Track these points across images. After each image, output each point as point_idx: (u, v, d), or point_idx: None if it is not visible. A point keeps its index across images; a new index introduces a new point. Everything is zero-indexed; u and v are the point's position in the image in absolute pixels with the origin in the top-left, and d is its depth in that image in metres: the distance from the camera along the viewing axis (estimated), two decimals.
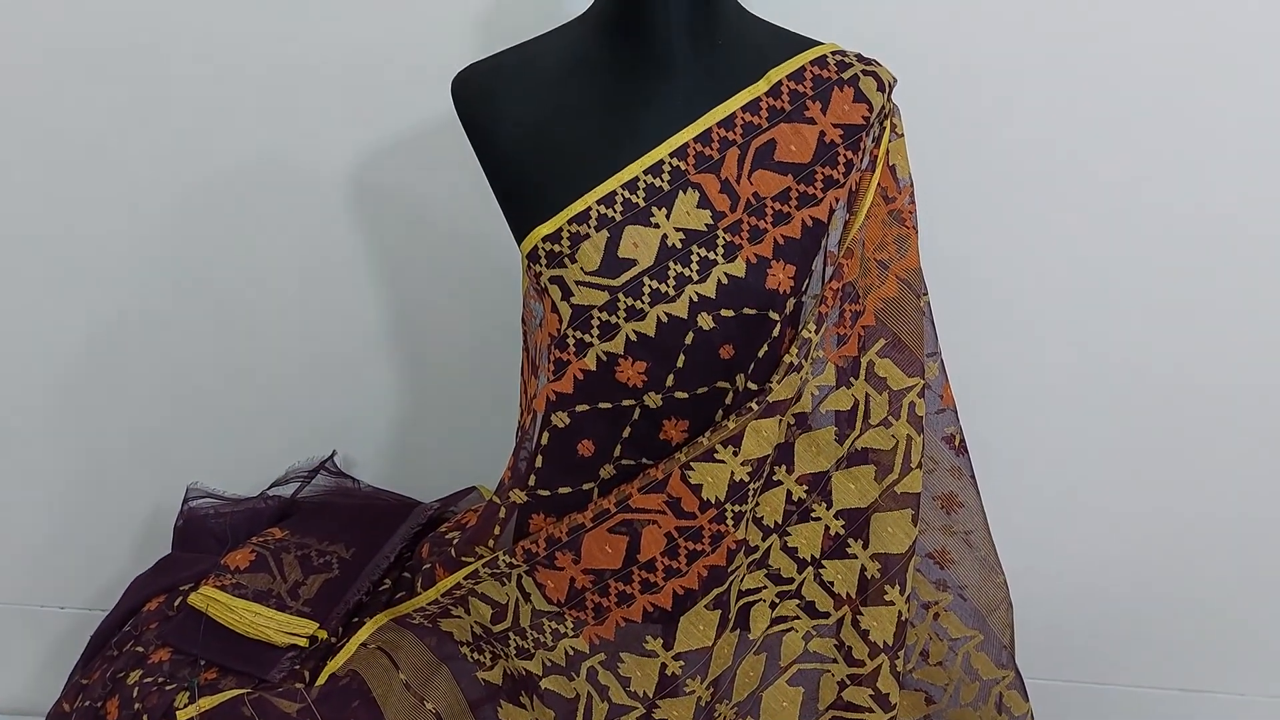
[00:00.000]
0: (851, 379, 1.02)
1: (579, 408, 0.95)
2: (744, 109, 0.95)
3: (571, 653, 1.02)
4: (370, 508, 1.30)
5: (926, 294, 1.05)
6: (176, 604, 1.16)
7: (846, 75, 0.97)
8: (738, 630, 1.04)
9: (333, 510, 1.29)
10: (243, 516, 1.27)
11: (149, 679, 1.08)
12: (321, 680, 1.08)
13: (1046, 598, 1.45)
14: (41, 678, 1.61)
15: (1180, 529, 1.45)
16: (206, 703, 1.05)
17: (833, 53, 0.99)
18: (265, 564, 1.18)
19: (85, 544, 1.55)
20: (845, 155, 0.96)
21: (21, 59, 1.29)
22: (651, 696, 1.01)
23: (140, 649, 1.12)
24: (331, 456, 1.37)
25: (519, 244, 0.96)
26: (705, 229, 0.93)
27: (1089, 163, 1.27)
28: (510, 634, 1.04)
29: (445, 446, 1.47)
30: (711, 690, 1.03)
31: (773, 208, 0.93)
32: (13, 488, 1.52)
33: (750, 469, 0.95)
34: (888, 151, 1.00)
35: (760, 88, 0.96)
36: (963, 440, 1.12)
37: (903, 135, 1.02)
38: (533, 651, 1.04)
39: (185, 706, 1.05)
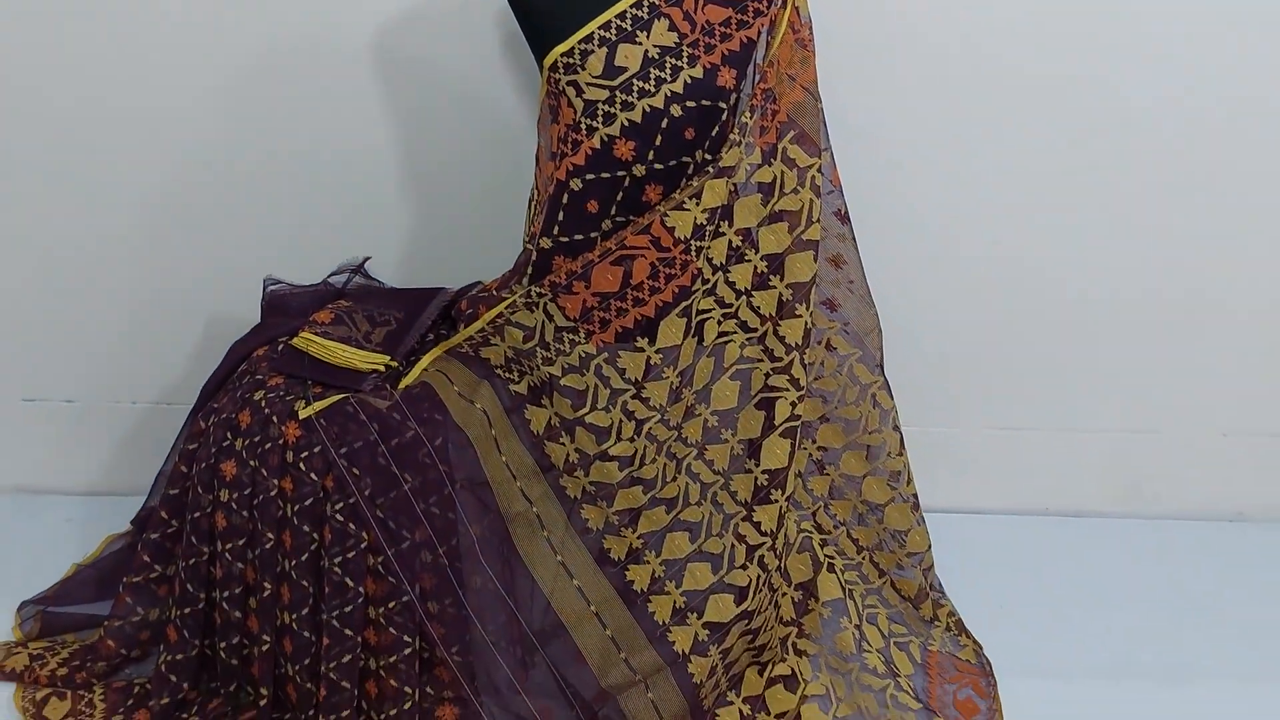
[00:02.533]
0: (771, 160, 1.47)
1: (588, 176, 1.39)
2: None
3: (583, 355, 1.46)
4: (406, 291, 1.70)
5: (821, 101, 1.50)
6: (279, 348, 1.55)
7: None
8: (695, 338, 1.49)
9: (378, 293, 1.70)
10: (312, 295, 1.66)
11: (271, 395, 1.48)
12: (398, 391, 1.50)
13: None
14: (117, 464, 1.98)
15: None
16: (320, 405, 1.46)
17: None
18: (342, 320, 1.58)
19: (153, 348, 1.91)
20: None
21: None
22: (640, 380, 1.46)
23: (259, 378, 1.52)
24: (367, 259, 1.76)
25: (541, 61, 1.38)
26: (674, 45, 1.36)
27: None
28: (537, 349, 1.48)
29: (450, 263, 1.87)
30: (679, 377, 1.48)
31: (719, 30, 1.38)
32: (95, 302, 1.87)
33: (707, 215, 1.40)
34: None
35: None
36: (847, 212, 1.60)
37: None
38: (554, 359, 1.47)
39: (304, 408, 1.45)
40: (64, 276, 1.86)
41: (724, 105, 1.38)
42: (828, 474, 1.71)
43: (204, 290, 1.88)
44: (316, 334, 1.54)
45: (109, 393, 1.95)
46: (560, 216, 1.41)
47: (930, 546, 1.75)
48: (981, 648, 1.72)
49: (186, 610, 1.52)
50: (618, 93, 1.35)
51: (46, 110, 1.75)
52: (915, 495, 1.73)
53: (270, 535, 1.45)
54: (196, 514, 1.49)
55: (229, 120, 1.77)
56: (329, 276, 1.70)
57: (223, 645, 1.52)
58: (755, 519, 1.53)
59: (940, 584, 1.79)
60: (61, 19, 1.69)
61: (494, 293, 1.51)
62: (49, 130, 1.77)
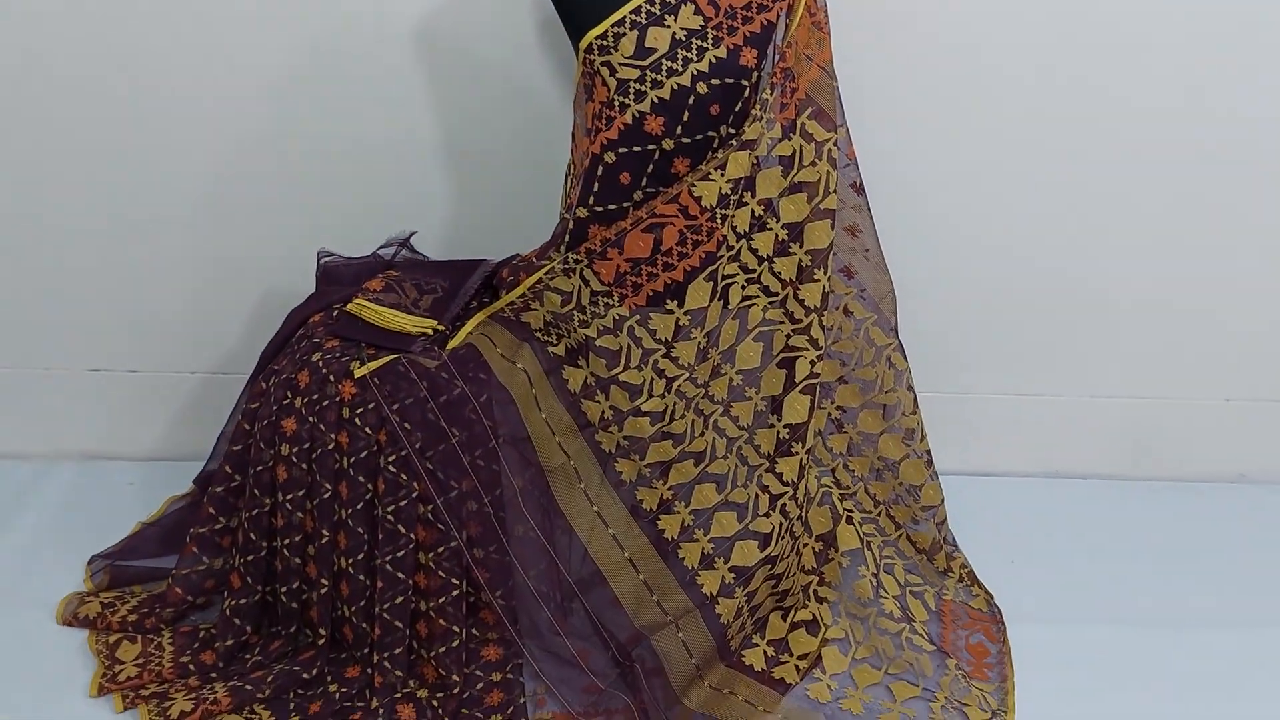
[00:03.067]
0: (790, 134, 1.57)
1: (621, 150, 1.50)
2: None
3: (617, 318, 1.57)
4: (450, 262, 1.81)
5: (836, 80, 1.61)
6: (334, 314, 1.67)
7: None
8: (721, 301, 1.59)
9: (424, 264, 1.81)
10: (363, 265, 1.77)
11: (328, 356, 1.60)
12: (445, 353, 1.61)
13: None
14: (177, 430, 2.10)
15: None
16: (373, 365, 1.57)
17: None
18: (392, 288, 1.70)
19: (210, 321, 2.03)
20: None
21: None
22: (670, 340, 1.57)
23: (316, 341, 1.63)
24: (413, 234, 1.87)
25: (577, 43, 1.49)
26: (699, 27, 1.47)
27: None
28: (574, 312, 1.59)
29: (489, 237, 1.98)
30: (706, 338, 1.59)
31: (741, 14, 1.48)
32: (155, 277, 2.00)
33: (731, 186, 1.51)
34: None
35: None
36: (862, 184, 1.70)
37: None
38: (590, 321, 1.58)
39: (359, 368, 1.57)
40: (126, 254, 1.98)
41: (746, 83, 1.48)
42: (846, 432, 1.82)
43: (258, 266, 2.00)
44: (369, 300, 1.66)
45: (169, 363, 2.07)
46: (595, 188, 1.52)
47: (943, 500, 1.85)
48: (992, 597, 1.82)
49: (250, 558, 1.64)
50: (648, 72, 1.46)
51: (112, 97, 1.87)
52: (929, 452, 1.83)
53: (328, 486, 1.57)
54: (259, 468, 1.61)
55: (281, 106, 1.88)
56: (378, 249, 1.81)
57: (283, 590, 1.64)
58: (778, 470, 1.63)
59: (953, 538, 1.89)
60: (129, 11, 1.82)
61: (533, 261, 1.62)
62: (113, 116, 1.89)
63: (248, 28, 1.83)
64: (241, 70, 1.86)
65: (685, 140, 1.50)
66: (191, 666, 1.61)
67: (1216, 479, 2.17)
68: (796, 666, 1.66)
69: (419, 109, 1.90)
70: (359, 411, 1.55)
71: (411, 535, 1.56)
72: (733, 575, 1.62)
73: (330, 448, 1.56)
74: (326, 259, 1.78)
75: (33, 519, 1.95)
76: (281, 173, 1.93)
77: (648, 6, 1.47)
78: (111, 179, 1.93)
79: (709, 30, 1.48)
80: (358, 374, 1.56)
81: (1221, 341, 2.09)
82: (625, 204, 1.53)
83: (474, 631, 1.62)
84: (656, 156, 1.51)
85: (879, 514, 1.85)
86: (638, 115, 1.48)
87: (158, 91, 1.87)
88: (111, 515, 1.95)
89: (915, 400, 1.81)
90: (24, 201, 1.95)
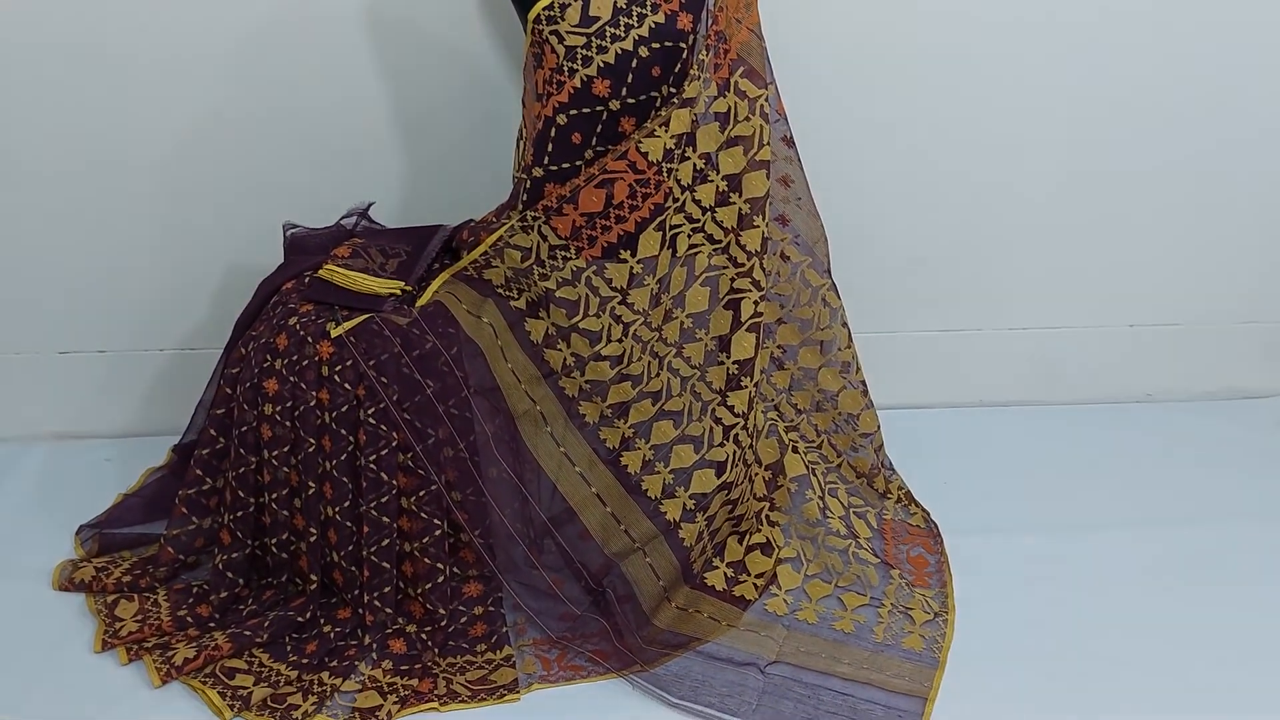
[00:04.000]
0: (725, 92, 1.70)
1: (571, 112, 1.62)
2: None
3: (575, 269, 1.69)
4: (409, 229, 1.92)
5: (764, 41, 1.74)
6: (306, 280, 1.77)
7: None
8: (670, 250, 1.72)
9: (385, 232, 1.91)
10: (329, 234, 1.87)
11: (304, 319, 1.69)
12: (415, 310, 1.72)
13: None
14: (148, 406, 2.18)
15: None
16: (349, 324, 1.67)
17: None
18: (359, 254, 1.80)
19: (175, 299, 2.11)
20: None
21: None
22: (625, 288, 1.69)
23: (291, 306, 1.73)
24: (371, 204, 1.96)
25: (524, 15, 1.60)
26: None
27: None
28: (534, 266, 1.70)
29: (443, 204, 2.09)
30: (658, 285, 1.72)
31: None
32: (121, 258, 2.07)
33: (674, 141, 1.64)
34: None
35: None
36: (792, 138, 1.84)
37: None
38: (549, 274, 1.70)
39: (335, 328, 1.67)
40: (90, 237, 2.05)
41: (684, 45, 1.61)
42: (787, 369, 1.96)
43: (220, 242, 2.08)
44: (339, 266, 1.76)
45: (138, 341, 2.15)
46: (549, 148, 1.64)
47: (880, 427, 2.01)
48: (929, 514, 1.99)
49: (239, 514, 1.73)
50: (593, 39, 1.58)
51: (68, 79, 1.94)
52: (864, 382, 1.98)
53: (311, 441, 1.67)
54: (243, 428, 1.71)
55: (236, 82, 1.97)
56: (340, 219, 1.91)
57: (273, 542, 1.74)
58: (729, 403, 1.77)
59: (890, 462, 2.05)
60: None
61: (492, 221, 1.74)
62: (70, 99, 1.95)
63: (202, 7, 1.90)
64: (195, 50, 1.94)
65: (630, 101, 1.62)
66: (189, 619, 1.71)
67: (1124, 400, 2.36)
68: (755, 584, 1.80)
69: (369, 84, 2.00)
70: (337, 369, 1.65)
71: (393, 482, 1.67)
72: (693, 502, 1.76)
73: (312, 404, 1.66)
74: (292, 230, 1.87)
75: (14, 497, 2.02)
76: (240, 150, 2.01)
77: None
78: (70, 164, 2.00)
79: None
80: (334, 334, 1.66)
81: (1124, 273, 2.27)
82: (578, 162, 1.65)
83: (456, 569, 1.74)
84: (604, 117, 1.63)
85: (821, 443, 2.01)
86: (586, 79, 1.60)
87: (114, 72, 1.94)
88: (91, 490, 2.02)
89: (850, 335, 1.96)
90: None
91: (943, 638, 1.73)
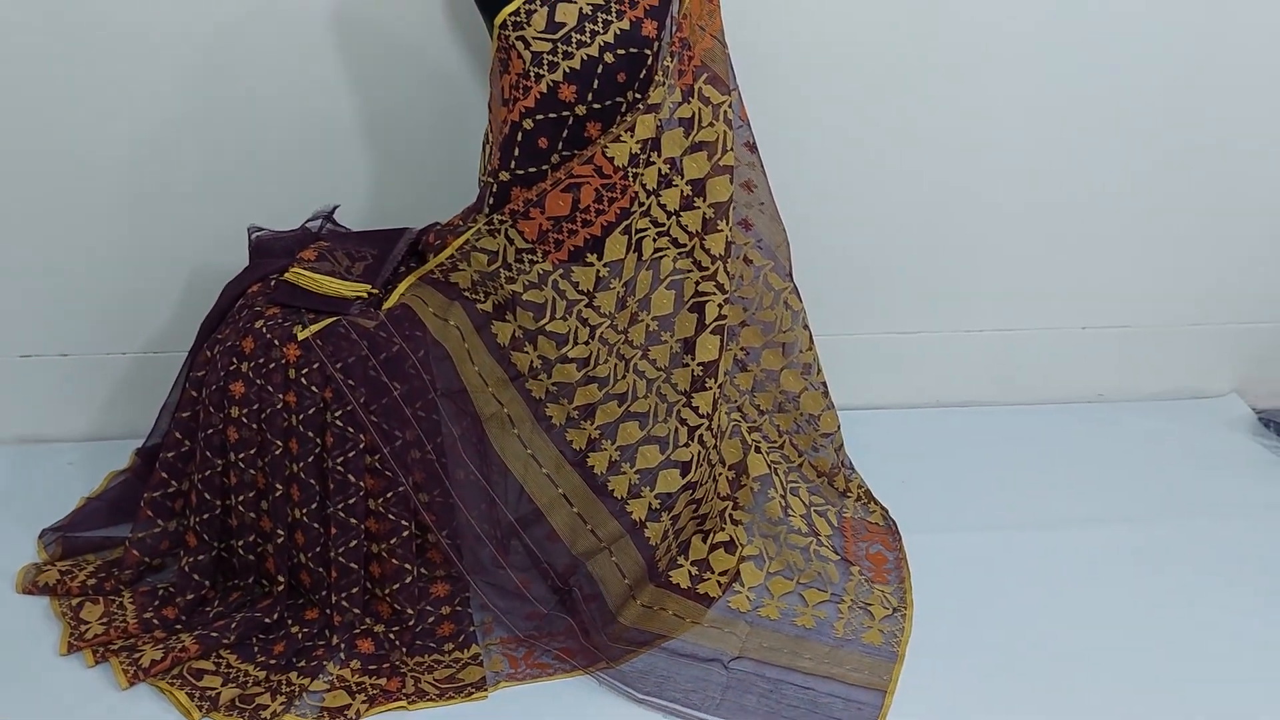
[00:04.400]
0: (690, 98, 1.74)
1: (538, 116, 1.64)
2: None
3: (541, 273, 1.71)
4: (375, 232, 1.93)
5: (728, 48, 1.77)
6: (273, 283, 1.77)
7: None
8: (636, 254, 1.75)
9: (350, 235, 1.92)
10: (294, 238, 1.88)
11: (270, 322, 1.70)
12: (381, 313, 1.73)
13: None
14: (111, 410, 2.17)
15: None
16: (315, 327, 1.68)
17: None
18: (325, 258, 1.81)
19: (138, 302, 2.10)
20: None
21: None
22: (591, 291, 1.72)
23: (258, 309, 1.73)
24: (336, 207, 1.97)
25: (491, 20, 1.62)
26: (604, 2, 1.62)
27: None
28: (500, 270, 1.72)
29: (407, 207, 2.10)
30: (624, 288, 1.74)
31: None
32: (83, 261, 2.06)
33: (640, 146, 1.67)
34: None
35: None
36: (754, 143, 1.88)
37: None
38: (516, 277, 1.72)
39: (302, 331, 1.68)
40: (53, 240, 2.04)
41: (649, 52, 1.64)
42: (750, 371, 2.00)
43: (182, 247, 2.08)
44: (305, 269, 1.77)
45: (100, 345, 2.14)
46: (516, 153, 1.66)
47: (840, 428, 2.05)
48: (888, 511, 2.03)
49: (205, 516, 1.74)
50: (559, 44, 1.61)
51: (30, 84, 1.93)
52: (825, 384, 2.02)
53: (278, 443, 1.68)
54: (209, 431, 1.71)
55: (201, 83, 1.97)
56: (306, 222, 1.92)
57: (240, 545, 1.74)
58: (694, 404, 1.80)
59: (850, 461, 2.09)
60: None
61: (458, 224, 1.76)
62: (32, 103, 1.94)
63: (168, 11, 1.90)
64: (162, 53, 1.94)
65: (596, 106, 1.65)
66: (155, 621, 1.71)
67: (1076, 400, 2.42)
68: (718, 582, 1.83)
69: (334, 87, 2.00)
70: (304, 372, 1.66)
71: (361, 484, 1.68)
72: (658, 501, 1.78)
73: (279, 407, 1.67)
74: (258, 233, 1.88)
75: None
76: (203, 154, 2.02)
77: None
78: (32, 167, 1.99)
79: (612, 4, 1.63)
80: (301, 336, 1.67)
81: (1076, 276, 2.33)
82: (544, 166, 1.67)
83: (423, 570, 1.75)
84: (571, 122, 1.65)
85: (783, 443, 2.04)
86: (552, 84, 1.62)
87: (77, 72, 1.93)
88: (54, 493, 2.01)
89: (811, 338, 2.00)
90: None
91: (901, 632, 1.76)
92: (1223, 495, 2.12)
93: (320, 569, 1.72)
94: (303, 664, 1.66)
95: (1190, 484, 2.15)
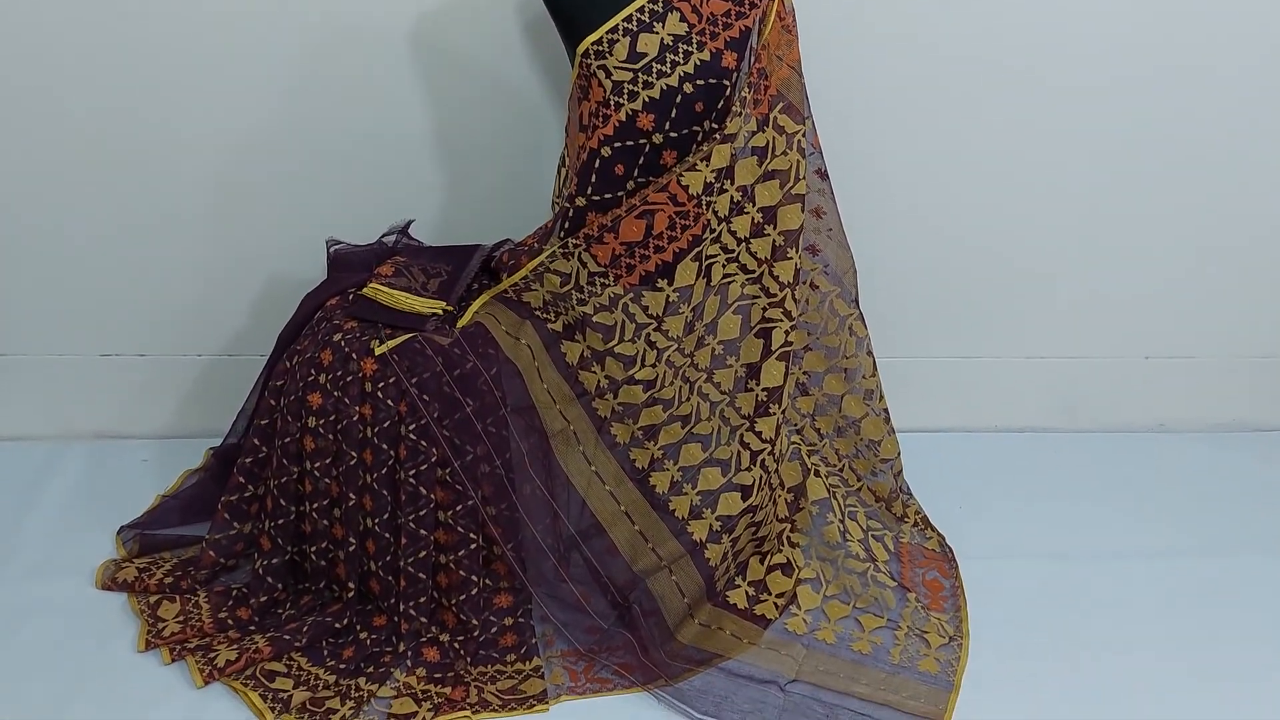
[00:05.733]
0: (764, 127, 1.76)
1: (616, 144, 1.67)
2: None
3: (612, 296, 1.74)
4: (448, 248, 1.97)
5: (804, 78, 1.79)
6: (350, 298, 1.82)
7: None
8: (705, 279, 1.78)
9: (425, 250, 1.97)
10: (371, 252, 1.92)
11: (349, 336, 1.75)
12: (456, 330, 1.77)
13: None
14: (186, 410, 2.23)
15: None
16: (392, 343, 1.73)
17: None
18: (401, 273, 1.85)
19: (216, 306, 2.16)
20: None
21: None
22: (660, 315, 1.75)
23: (336, 323, 1.78)
24: (411, 222, 2.01)
25: (573, 48, 1.65)
26: (685, 33, 1.65)
27: None
28: (572, 291, 1.76)
29: (479, 224, 2.14)
30: (692, 312, 1.77)
31: (722, 20, 1.66)
32: (164, 265, 2.12)
33: (714, 175, 1.69)
34: None
35: None
36: (826, 171, 1.89)
37: None
38: (587, 299, 1.75)
39: (379, 346, 1.72)
40: (137, 244, 2.11)
41: (727, 83, 1.66)
42: (812, 395, 2.02)
43: (260, 255, 2.13)
44: (383, 285, 1.81)
45: (178, 347, 2.20)
46: (593, 179, 1.69)
47: (900, 454, 2.06)
48: (944, 538, 2.04)
49: (279, 521, 1.79)
50: (640, 74, 1.64)
51: (122, 97, 1.99)
52: (886, 410, 2.04)
53: (353, 454, 1.73)
54: (286, 439, 1.76)
55: (286, 103, 2.02)
56: (382, 236, 1.96)
57: (312, 550, 1.80)
58: (757, 429, 1.83)
59: (908, 487, 2.10)
60: (139, 13, 1.94)
61: (532, 246, 1.79)
62: (123, 117, 2.01)
63: (254, 33, 1.95)
64: (247, 71, 1.99)
65: (673, 135, 1.67)
66: (230, 621, 1.76)
67: (1139, 429, 2.41)
68: (775, 604, 1.86)
69: (413, 106, 2.04)
70: (380, 385, 1.71)
71: (431, 496, 1.72)
72: (719, 523, 1.81)
73: (355, 419, 1.72)
74: (336, 247, 1.92)
75: (55, 495, 2.07)
76: (284, 168, 2.07)
77: (639, 15, 1.64)
78: (123, 179, 2.05)
79: (693, 36, 1.65)
80: (378, 351, 1.71)
81: (1140, 306, 2.32)
82: (620, 193, 1.70)
83: (488, 581, 1.80)
84: (647, 150, 1.68)
85: (842, 467, 2.06)
86: (631, 113, 1.65)
87: (167, 89, 1.99)
88: (129, 490, 2.08)
89: (874, 364, 2.01)
90: (37, 196, 2.06)
91: (957, 661, 1.78)
92: None
93: (389, 577, 1.76)
94: (371, 670, 1.70)
95: (1253, 519, 2.14)
